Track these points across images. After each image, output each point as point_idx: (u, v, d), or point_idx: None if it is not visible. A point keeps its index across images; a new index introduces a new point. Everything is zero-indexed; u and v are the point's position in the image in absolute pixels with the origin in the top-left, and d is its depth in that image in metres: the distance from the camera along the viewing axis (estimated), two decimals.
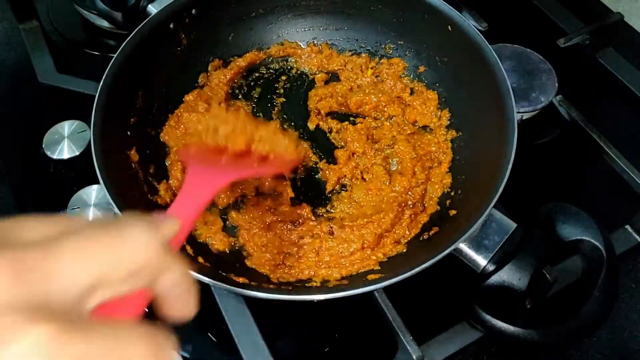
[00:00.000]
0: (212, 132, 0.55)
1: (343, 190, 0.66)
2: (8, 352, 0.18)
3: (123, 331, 0.22)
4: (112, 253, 0.23)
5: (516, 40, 0.79)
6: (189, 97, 0.70)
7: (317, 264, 0.59)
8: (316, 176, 0.67)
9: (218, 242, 0.60)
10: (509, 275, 0.53)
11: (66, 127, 0.73)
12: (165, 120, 0.68)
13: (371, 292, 0.55)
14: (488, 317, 0.54)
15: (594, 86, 0.82)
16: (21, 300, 0.20)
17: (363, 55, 0.76)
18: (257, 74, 0.76)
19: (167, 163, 0.66)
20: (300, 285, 0.57)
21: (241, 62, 0.75)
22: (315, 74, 0.76)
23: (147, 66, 0.66)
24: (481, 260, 0.54)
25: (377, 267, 0.57)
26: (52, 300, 0.21)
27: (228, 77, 0.73)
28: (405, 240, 0.60)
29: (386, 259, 0.58)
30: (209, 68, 0.74)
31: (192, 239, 0.60)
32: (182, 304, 0.28)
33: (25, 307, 0.19)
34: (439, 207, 0.63)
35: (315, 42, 0.77)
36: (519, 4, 0.90)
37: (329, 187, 0.66)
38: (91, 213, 0.65)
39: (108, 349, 0.21)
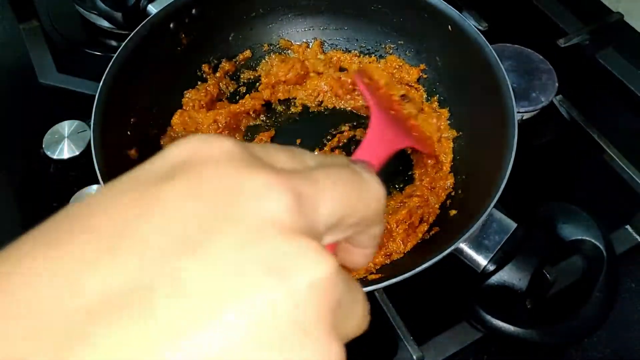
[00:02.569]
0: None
1: None
2: (301, 277, 0.18)
3: (357, 286, 0.22)
4: (357, 197, 0.23)
5: (516, 40, 0.79)
6: (187, 98, 0.70)
7: None
8: None
9: None
10: (509, 275, 0.53)
11: (66, 127, 0.73)
12: (165, 120, 0.68)
13: (371, 292, 0.55)
14: (488, 317, 0.54)
15: (594, 86, 0.82)
16: (304, 227, 0.19)
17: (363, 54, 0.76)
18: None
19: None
20: None
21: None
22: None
23: (147, 66, 0.65)
24: (481, 260, 0.54)
25: (371, 276, 0.57)
26: (316, 232, 0.20)
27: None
28: (400, 255, 0.59)
29: (379, 267, 0.58)
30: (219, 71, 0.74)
31: None
32: (364, 256, 0.28)
33: (308, 236, 0.19)
34: (439, 209, 0.63)
35: (309, 42, 0.78)
36: (519, 4, 0.90)
37: None
38: None
39: (351, 297, 0.21)
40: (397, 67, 0.74)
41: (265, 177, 0.19)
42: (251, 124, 0.72)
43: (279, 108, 0.74)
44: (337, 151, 0.69)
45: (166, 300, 0.16)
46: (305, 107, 0.74)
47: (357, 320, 0.22)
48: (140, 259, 0.17)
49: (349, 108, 0.73)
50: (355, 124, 0.72)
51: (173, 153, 0.21)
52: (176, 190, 0.19)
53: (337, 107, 0.74)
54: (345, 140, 0.71)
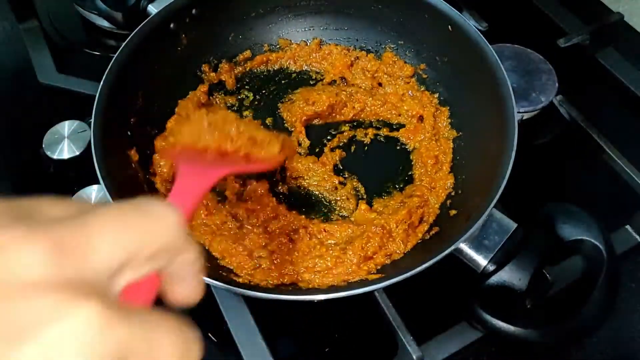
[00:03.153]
0: (195, 137, 0.54)
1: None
2: (56, 330, 0.17)
3: (158, 320, 0.21)
4: (141, 230, 0.22)
5: (516, 40, 0.79)
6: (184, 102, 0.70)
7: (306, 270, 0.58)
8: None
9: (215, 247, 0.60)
10: (509, 275, 0.53)
11: (66, 127, 0.73)
12: (165, 120, 0.68)
13: (371, 292, 0.55)
14: (488, 317, 0.54)
15: (594, 86, 0.82)
16: (62, 278, 0.18)
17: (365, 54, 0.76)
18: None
19: (161, 163, 0.65)
20: (297, 288, 0.57)
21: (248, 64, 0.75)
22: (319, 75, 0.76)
23: (147, 66, 0.65)
24: (481, 260, 0.54)
25: (371, 276, 0.57)
26: (89, 279, 0.19)
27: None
28: (400, 255, 0.59)
29: (380, 267, 0.58)
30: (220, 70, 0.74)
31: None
32: (191, 287, 0.27)
33: (67, 285, 0.18)
34: (439, 209, 0.63)
35: (307, 41, 0.78)
36: (519, 4, 0.90)
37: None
38: None
39: (146, 338, 0.20)
40: (391, 62, 0.74)
41: (16, 231, 0.18)
42: None
43: None
44: (337, 151, 0.69)
45: None
46: None
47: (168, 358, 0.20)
48: None
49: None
50: (355, 124, 0.72)
51: None
52: None
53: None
54: (345, 140, 0.71)
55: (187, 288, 0.27)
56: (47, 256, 0.18)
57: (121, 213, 0.22)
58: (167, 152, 0.54)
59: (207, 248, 0.59)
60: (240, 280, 0.56)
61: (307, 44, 0.77)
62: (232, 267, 0.57)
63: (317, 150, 0.70)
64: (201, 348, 0.23)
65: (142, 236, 0.22)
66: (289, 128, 0.71)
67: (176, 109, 0.68)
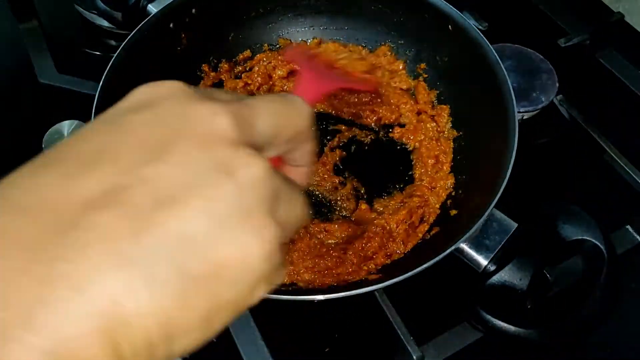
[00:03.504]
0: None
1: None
2: (244, 174, 0.22)
3: (292, 182, 0.27)
4: (286, 114, 0.27)
5: (516, 40, 0.79)
6: None
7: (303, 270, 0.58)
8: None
9: None
10: (509, 275, 0.53)
11: (66, 127, 0.73)
12: None
13: (371, 292, 0.55)
14: (489, 317, 0.54)
15: (594, 86, 0.81)
16: (243, 139, 0.24)
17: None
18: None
19: None
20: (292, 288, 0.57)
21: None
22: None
23: (147, 66, 0.65)
24: (482, 260, 0.54)
25: (371, 276, 0.57)
26: (256, 143, 0.25)
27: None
28: (400, 255, 0.59)
29: (380, 267, 0.58)
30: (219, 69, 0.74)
31: None
32: (303, 173, 0.32)
33: (247, 144, 0.24)
34: (439, 209, 0.63)
35: (307, 40, 0.78)
36: (520, 4, 0.90)
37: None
38: None
39: (288, 193, 0.25)
40: (383, 55, 0.75)
41: (210, 105, 0.24)
42: None
43: None
44: (337, 151, 0.69)
45: (140, 194, 0.21)
46: None
47: (296, 211, 0.26)
48: (115, 168, 0.21)
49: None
50: (353, 123, 0.72)
51: (136, 95, 0.26)
52: (142, 118, 0.24)
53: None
54: (345, 140, 0.71)
55: (300, 172, 0.32)
56: (233, 122, 0.23)
57: (272, 99, 0.27)
58: (285, 52, 0.58)
59: None
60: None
61: (306, 44, 0.77)
62: None
63: (317, 150, 0.70)
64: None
65: (286, 119, 0.27)
66: None
67: None
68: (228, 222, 0.22)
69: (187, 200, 0.21)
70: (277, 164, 0.31)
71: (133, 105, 0.26)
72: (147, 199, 0.21)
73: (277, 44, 0.77)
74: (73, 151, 0.23)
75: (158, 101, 0.25)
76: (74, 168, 0.22)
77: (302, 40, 0.77)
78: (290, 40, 0.77)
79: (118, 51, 0.62)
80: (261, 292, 0.24)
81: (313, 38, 0.77)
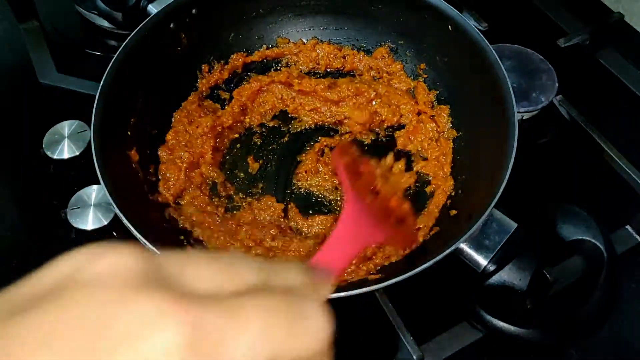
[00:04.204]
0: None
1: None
2: None
3: None
4: (290, 333, 0.19)
5: (516, 40, 0.79)
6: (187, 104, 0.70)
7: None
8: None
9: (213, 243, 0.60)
10: (509, 275, 0.53)
11: (66, 127, 0.73)
12: (165, 121, 0.68)
13: (371, 292, 0.55)
14: (489, 317, 0.54)
15: (594, 86, 0.82)
16: None
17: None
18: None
19: (167, 174, 0.65)
20: None
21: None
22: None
23: (147, 66, 0.65)
24: (482, 260, 0.54)
25: (371, 276, 0.57)
26: None
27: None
28: (399, 257, 0.59)
29: (380, 267, 0.58)
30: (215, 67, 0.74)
31: (188, 233, 0.60)
32: None
33: None
34: (438, 212, 0.63)
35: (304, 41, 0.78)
36: (519, 4, 0.90)
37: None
38: (91, 213, 0.65)
39: None
40: (381, 57, 0.75)
41: (155, 303, 0.17)
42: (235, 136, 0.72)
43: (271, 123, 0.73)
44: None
45: None
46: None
47: None
48: None
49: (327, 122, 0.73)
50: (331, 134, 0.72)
51: (54, 270, 0.18)
52: (38, 325, 0.16)
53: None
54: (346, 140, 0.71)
55: None
56: (184, 340, 0.16)
57: (272, 308, 0.19)
58: (335, 159, 0.46)
59: (205, 244, 0.60)
60: None
61: (304, 43, 0.77)
62: None
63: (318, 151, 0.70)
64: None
65: (287, 340, 0.19)
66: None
67: (172, 122, 0.68)
68: None
69: None
70: None
71: (41, 289, 0.18)
72: None
73: (275, 43, 0.77)
74: None
75: (76, 290, 0.17)
76: None
77: (300, 40, 0.77)
78: (289, 40, 0.77)
79: (118, 51, 0.62)
80: None
81: (313, 38, 0.77)
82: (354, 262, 0.58)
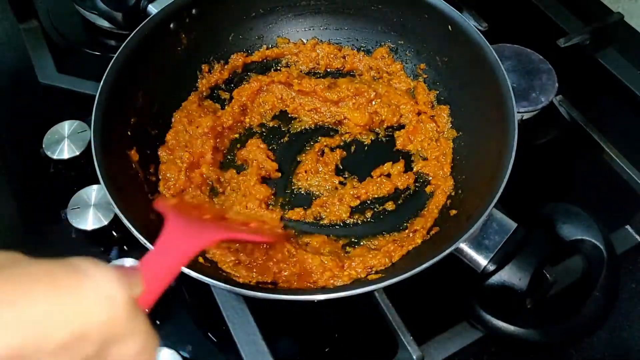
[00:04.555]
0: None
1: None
2: None
3: None
4: (55, 303, 0.17)
5: (516, 40, 0.79)
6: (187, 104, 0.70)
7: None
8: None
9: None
10: (509, 275, 0.53)
11: (66, 127, 0.73)
12: (165, 121, 0.68)
13: (371, 292, 0.55)
14: (489, 317, 0.54)
15: (594, 86, 0.82)
16: None
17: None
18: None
19: (167, 174, 0.65)
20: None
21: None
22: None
23: (147, 66, 0.65)
24: (482, 260, 0.54)
25: (371, 276, 0.57)
26: None
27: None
28: (395, 260, 0.59)
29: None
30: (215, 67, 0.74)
31: None
32: None
33: None
34: (438, 212, 0.63)
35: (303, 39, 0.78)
36: (519, 4, 0.90)
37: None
38: (91, 213, 0.65)
39: None
40: (381, 57, 0.75)
41: None
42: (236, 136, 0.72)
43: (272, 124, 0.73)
44: (338, 151, 0.69)
45: None
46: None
47: None
48: None
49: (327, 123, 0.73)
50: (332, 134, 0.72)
51: None
52: None
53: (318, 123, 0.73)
54: (346, 140, 0.71)
55: None
56: None
57: (35, 273, 0.17)
58: (161, 203, 0.48)
59: None
60: (240, 280, 0.56)
61: (303, 43, 0.77)
62: (215, 260, 0.57)
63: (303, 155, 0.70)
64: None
65: (52, 311, 0.16)
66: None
67: (172, 122, 0.68)
68: None
69: None
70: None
71: None
72: None
73: (275, 43, 0.77)
74: None
75: None
76: None
77: (300, 40, 0.77)
78: (289, 40, 0.77)
79: (118, 51, 0.62)
80: None
81: (312, 38, 0.77)
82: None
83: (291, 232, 0.62)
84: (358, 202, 0.65)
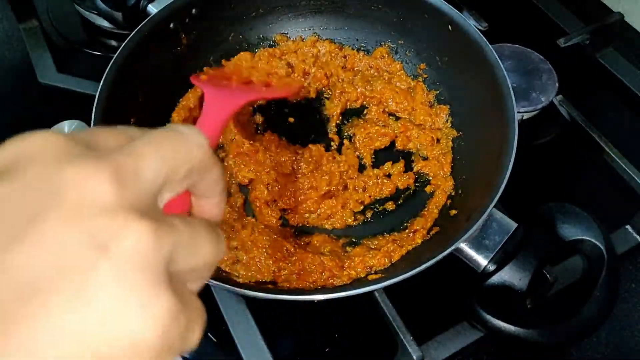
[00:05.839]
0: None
1: None
2: (121, 246, 0.20)
3: (196, 223, 0.25)
4: (177, 151, 0.25)
5: (516, 40, 0.79)
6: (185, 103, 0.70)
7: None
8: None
9: None
10: (509, 275, 0.53)
11: (66, 127, 0.73)
12: (165, 121, 0.68)
13: (371, 292, 0.55)
14: (488, 317, 0.54)
15: (594, 86, 0.82)
16: (123, 201, 0.21)
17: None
18: None
19: None
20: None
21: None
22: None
23: (147, 66, 0.65)
24: (482, 260, 0.54)
25: (371, 276, 0.57)
26: (142, 199, 0.22)
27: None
28: (395, 260, 0.59)
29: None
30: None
31: None
32: (215, 203, 0.30)
33: (127, 207, 0.21)
34: (438, 212, 0.63)
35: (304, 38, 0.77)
36: (519, 4, 0.90)
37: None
38: None
39: (189, 238, 0.24)
40: (381, 57, 0.75)
41: (84, 166, 0.21)
42: None
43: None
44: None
45: (1, 287, 0.18)
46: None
47: (204, 255, 0.25)
48: None
49: None
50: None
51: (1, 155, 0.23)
52: (2, 191, 0.21)
53: None
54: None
55: (211, 204, 0.30)
56: (112, 183, 0.21)
57: (160, 138, 0.25)
58: (196, 79, 0.58)
59: None
60: (240, 280, 0.56)
61: (302, 40, 0.77)
62: None
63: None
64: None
65: (178, 155, 0.25)
66: None
67: (172, 122, 0.68)
68: (108, 306, 0.19)
69: (55, 289, 0.19)
70: (188, 197, 0.29)
71: None
72: (9, 292, 0.18)
73: (274, 40, 0.77)
74: None
75: (23, 165, 0.22)
76: None
77: (299, 36, 0.77)
78: (288, 37, 0.77)
79: (118, 51, 0.62)
80: (171, 358, 0.22)
81: (312, 34, 0.77)
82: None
83: (302, 83, 0.72)
84: (362, 207, 0.65)
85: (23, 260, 0.19)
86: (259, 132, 0.71)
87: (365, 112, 0.72)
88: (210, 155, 0.27)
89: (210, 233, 0.26)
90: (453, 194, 0.63)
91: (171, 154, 0.24)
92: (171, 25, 0.68)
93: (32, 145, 0.23)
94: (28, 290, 0.19)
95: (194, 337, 0.24)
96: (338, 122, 0.72)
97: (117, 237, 0.20)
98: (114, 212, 0.21)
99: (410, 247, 0.59)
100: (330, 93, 0.74)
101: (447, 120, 0.69)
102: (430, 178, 0.66)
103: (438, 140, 0.68)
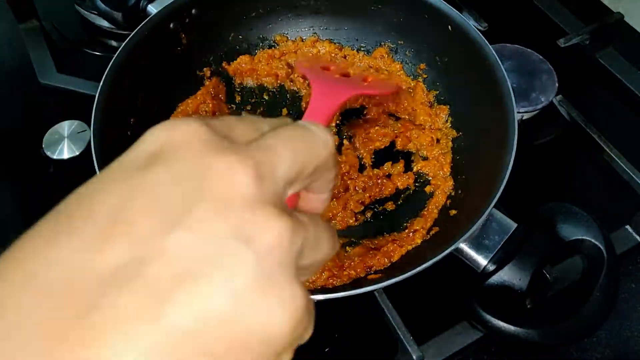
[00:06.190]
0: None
1: None
2: (263, 240, 0.21)
3: (317, 219, 0.26)
4: (308, 147, 0.25)
5: (516, 40, 0.79)
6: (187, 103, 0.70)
7: None
8: None
9: None
10: (509, 275, 0.53)
11: (66, 127, 0.73)
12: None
13: (371, 292, 0.55)
14: (488, 317, 0.54)
15: (594, 86, 0.82)
16: (264, 196, 0.22)
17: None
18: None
19: None
20: None
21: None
22: None
23: (147, 66, 0.65)
24: (481, 260, 0.54)
25: (371, 276, 0.56)
26: (277, 195, 0.23)
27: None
28: (395, 260, 0.59)
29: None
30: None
31: None
32: (322, 200, 0.30)
33: (267, 202, 0.22)
34: (438, 213, 0.63)
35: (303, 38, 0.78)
36: (519, 4, 0.90)
37: None
38: None
39: (315, 233, 0.25)
40: (380, 57, 0.75)
41: (228, 158, 0.22)
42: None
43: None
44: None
45: (159, 268, 0.20)
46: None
47: (323, 251, 0.26)
48: (131, 238, 0.20)
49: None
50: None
51: (149, 141, 0.25)
52: (155, 177, 0.22)
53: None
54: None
55: (320, 199, 0.30)
56: (253, 177, 0.22)
57: (290, 135, 0.25)
58: (299, 65, 0.58)
59: None
60: None
61: (302, 41, 0.77)
62: None
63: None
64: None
65: (308, 154, 0.25)
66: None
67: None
68: (250, 296, 0.20)
69: (207, 274, 0.20)
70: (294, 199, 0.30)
71: (144, 157, 0.24)
72: (166, 273, 0.20)
73: (274, 40, 0.77)
74: (84, 216, 0.21)
75: (172, 153, 0.23)
76: (89, 238, 0.20)
77: (299, 36, 0.77)
78: (288, 37, 0.77)
79: (118, 51, 0.62)
80: (289, 357, 0.24)
81: (312, 35, 0.77)
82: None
83: (401, 83, 0.71)
84: (362, 207, 0.65)
85: (178, 244, 0.20)
86: None
87: (365, 112, 0.72)
88: (334, 154, 0.27)
89: (329, 230, 0.27)
90: (453, 194, 0.63)
91: (302, 151, 0.25)
92: (171, 25, 0.68)
93: (180, 133, 0.23)
94: (183, 274, 0.20)
95: (310, 332, 0.25)
96: (338, 122, 0.72)
97: (260, 231, 0.21)
98: (257, 206, 0.21)
99: (410, 247, 0.59)
100: None
101: (447, 121, 0.69)
102: (430, 178, 0.66)
103: (438, 141, 0.69)
